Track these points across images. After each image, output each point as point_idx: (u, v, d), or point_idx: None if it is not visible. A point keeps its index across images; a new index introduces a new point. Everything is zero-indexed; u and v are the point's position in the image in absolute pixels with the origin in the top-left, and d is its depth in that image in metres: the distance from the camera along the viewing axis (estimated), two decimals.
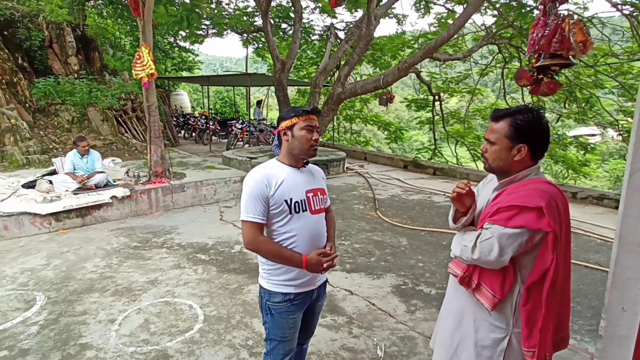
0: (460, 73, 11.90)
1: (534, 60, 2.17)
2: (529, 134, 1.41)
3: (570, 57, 1.98)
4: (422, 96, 13.06)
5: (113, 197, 5.49)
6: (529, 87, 2.39)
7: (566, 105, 8.95)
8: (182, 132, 14.96)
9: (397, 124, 15.94)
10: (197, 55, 21.46)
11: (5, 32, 9.01)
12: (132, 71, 6.12)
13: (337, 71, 10.51)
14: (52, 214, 4.98)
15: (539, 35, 2.02)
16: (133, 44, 16.54)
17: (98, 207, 5.38)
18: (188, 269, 3.97)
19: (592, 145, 10.30)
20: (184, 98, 18.47)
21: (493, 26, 8.94)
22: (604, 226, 5.17)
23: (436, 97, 11.38)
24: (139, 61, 5.81)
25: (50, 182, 5.56)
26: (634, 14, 6.54)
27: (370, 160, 10.84)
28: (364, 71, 14.76)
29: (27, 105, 8.76)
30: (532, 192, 1.36)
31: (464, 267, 1.47)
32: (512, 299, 1.40)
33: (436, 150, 12.05)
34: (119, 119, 10.04)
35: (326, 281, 1.92)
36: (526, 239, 1.33)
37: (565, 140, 10.39)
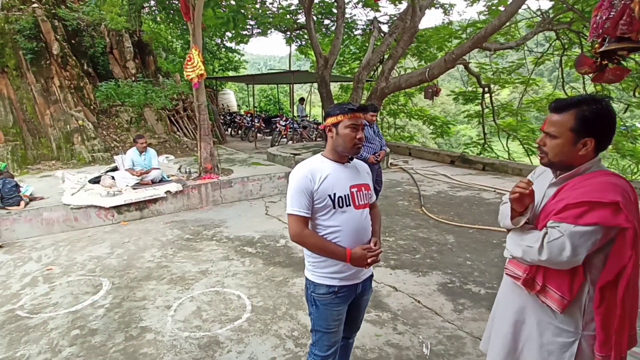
0: (512, 63, 11.21)
1: (597, 45, 1.99)
2: (597, 127, 1.29)
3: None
4: (470, 88, 12.51)
5: (167, 191, 5.83)
6: (591, 75, 2.21)
7: (636, 93, 8.15)
8: (229, 130, 15.50)
9: (444, 118, 15.40)
10: (243, 55, 22.08)
11: (73, 41, 9.84)
12: (183, 73, 6.45)
13: (381, 65, 10.36)
14: (114, 207, 5.41)
15: (604, 17, 1.85)
16: (184, 46, 17.36)
17: (154, 201, 5.75)
18: (236, 260, 4.13)
19: None
20: (230, 97, 19.13)
21: (550, 11, 8.34)
22: None
23: (486, 89, 10.84)
24: (189, 63, 6.11)
25: (113, 177, 6.03)
26: None
27: (415, 155, 10.58)
28: (408, 64, 14.39)
29: (91, 107, 9.53)
30: (602, 185, 1.26)
31: (525, 267, 1.39)
32: (581, 300, 1.32)
33: (485, 145, 11.50)
34: (172, 118, 10.65)
35: (372, 276, 1.91)
36: (600, 237, 1.24)
37: (635, 132, 9.48)
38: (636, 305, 1.34)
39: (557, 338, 1.35)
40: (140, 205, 5.65)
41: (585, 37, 7.41)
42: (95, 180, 6.21)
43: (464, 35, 10.81)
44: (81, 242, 4.77)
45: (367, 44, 11.45)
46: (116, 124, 9.82)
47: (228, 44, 17.93)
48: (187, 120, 11.17)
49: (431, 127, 14.46)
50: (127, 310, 3.19)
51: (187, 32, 7.11)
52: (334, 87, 17.42)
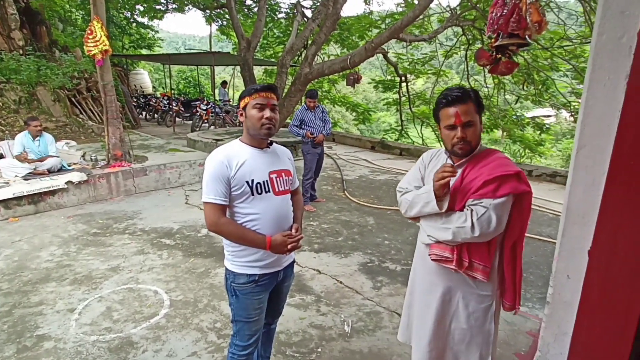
0: (426, 54, 11.99)
1: (492, 40, 2.22)
2: (483, 107, 1.51)
3: (526, 37, 2.05)
4: (389, 77, 13.12)
5: (69, 182, 5.19)
6: (488, 67, 2.45)
7: (524, 87, 9.30)
8: (144, 113, 14.29)
9: (365, 105, 15.99)
10: (157, 32, 20.37)
11: None
12: (84, 47, 5.71)
13: (305, 51, 10.32)
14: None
15: (498, 14, 2.06)
16: (85, 18, 15.41)
17: (52, 193, 5.08)
18: (152, 254, 3.86)
19: (547, 126, 10.81)
20: (144, 77, 17.57)
21: (457, 7, 9.04)
22: (556, 202, 5.50)
23: (403, 78, 11.46)
24: (90, 36, 5.43)
25: None
26: None
27: (339, 141, 10.86)
28: (331, 51, 14.58)
29: None
30: (503, 161, 1.45)
31: (452, 249, 1.46)
32: (495, 263, 1.49)
33: (403, 131, 12.24)
34: (73, 99, 9.41)
35: (293, 262, 1.92)
36: (511, 204, 1.43)
37: (524, 121, 10.84)
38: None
39: (480, 305, 1.51)
40: (35, 198, 4.95)
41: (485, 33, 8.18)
42: None
43: (383, 25, 11.24)
44: None
45: (290, 28, 11.30)
46: (0, 104, 8.41)
47: (140, 19, 16.33)
48: (92, 102, 9.98)
49: (354, 113, 14.94)
50: (19, 318, 2.79)
51: (88, 1, 6.29)
52: (258, 71, 17.00)
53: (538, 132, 10.78)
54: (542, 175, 6.86)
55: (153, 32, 19.77)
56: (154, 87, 20.81)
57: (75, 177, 5.27)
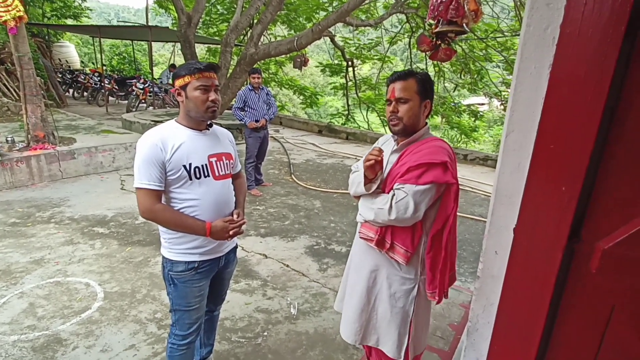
0: (372, 40, 12.17)
1: (433, 26, 2.29)
2: (430, 91, 1.51)
3: (464, 25, 2.13)
4: (336, 61, 13.15)
5: None
6: (429, 53, 2.53)
7: (462, 75, 9.82)
8: (71, 91, 12.99)
9: (313, 89, 15.91)
10: (85, 0, 18.39)
11: None
12: None
13: (250, 30, 9.96)
14: None
15: (439, 1, 2.12)
16: None
17: None
18: (83, 244, 3.57)
19: (481, 113, 11.59)
20: (70, 51, 15.89)
21: None
22: (487, 183, 5.95)
23: (349, 62, 11.54)
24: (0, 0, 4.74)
25: None
26: None
27: (286, 125, 10.75)
28: (278, 32, 14.23)
29: None
30: (434, 149, 1.46)
31: (377, 229, 1.52)
32: (419, 250, 1.53)
33: (349, 116, 12.41)
34: None
35: (236, 247, 1.87)
36: (434, 193, 1.44)
37: (460, 108, 11.50)
38: (455, 249, 1.63)
39: (402, 286, 1.56)
40: None
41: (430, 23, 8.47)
42: None
43: (330, 8, 11.16)
44: None
45: (235, 5, 10.79)
46: None
47: None
48: (7, 75, 8.86)
49: (301, 97, 14.82)
50: None
51: None
52: (201, 50, 16.14)
53: (473, 119, 11.51)
54: (475, 159, 7.36)
55: (80, 1, 17.84)
56: (82, 62, 18.91)
57: None
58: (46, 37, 13.66)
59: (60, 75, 12.90)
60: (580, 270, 0.97)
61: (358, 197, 1.65)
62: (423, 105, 1.50)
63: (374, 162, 1.47)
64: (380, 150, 1.49)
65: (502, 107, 10.41)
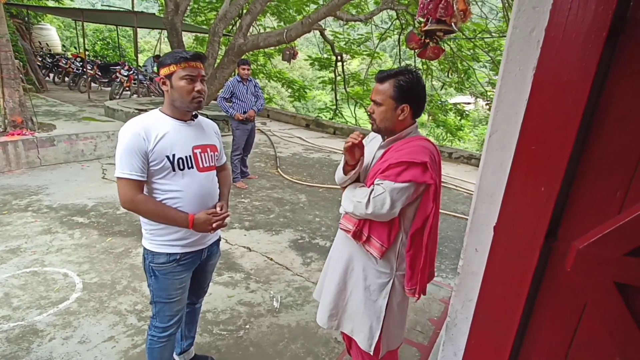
0: (362, 35, 12.15)
1: (422, 24, 2.30)
2: (411, 94, 1.49)
3: (452, 24, 2.15)
4: (325, 55, 13.10)
5: None
6: (417, 51, 2.55)
7: (449, 74, 9.93)
8: (51, 75, 12.60)
9: (301, 82, 15.82)
10: None
11: None
12: None
13: (239, 20, 9.81)
14: None
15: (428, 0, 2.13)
16: None
17: None
18: (62, 233, 3.49)
19: (467, 112, 11.75)
20: (51, 34, 15.36)
21: None
22: (470, 182, 6.05)
23: (339, 57, 11.52)
24: None
25: None
26: None
27: (273, 118, 10.68)
28: (267, 24, 14.07)
29: None
30: (416, 148, 1.47)
31: (355, 222, 1.55)
32: (396, 246, 1.55)
33: (337, 111, 12.40)
34: None
35: (219, 239, 1.85)
36: (412, 192, 1.45)
37: (447, 107, 11.63)
38: (435, 247, 1.66)
39: (377, 280, 1.58)
40: None
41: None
42: None
43: (320, 1, 11.09)
44: None
45: None
46: None
47: None
48: None
49: (289, 90, 14.73)
50: None
51: None
52: (188, 38, 15.83)
53: (459, 118, 11.66)
54: (460, 158, 7.47)
55: None
56: (64, 46, 18.34)
57: None
58: (26, 18, 13.16)
59: (40, 59, 12.47)
60: (556, 269, 1.00)
61: (344, 189, 1.66)
62: (400, 109, 1.50)
63: (352, 145, 1.49)
64: (360, 134, 1.51)
65: (487, 107, 10.58)
